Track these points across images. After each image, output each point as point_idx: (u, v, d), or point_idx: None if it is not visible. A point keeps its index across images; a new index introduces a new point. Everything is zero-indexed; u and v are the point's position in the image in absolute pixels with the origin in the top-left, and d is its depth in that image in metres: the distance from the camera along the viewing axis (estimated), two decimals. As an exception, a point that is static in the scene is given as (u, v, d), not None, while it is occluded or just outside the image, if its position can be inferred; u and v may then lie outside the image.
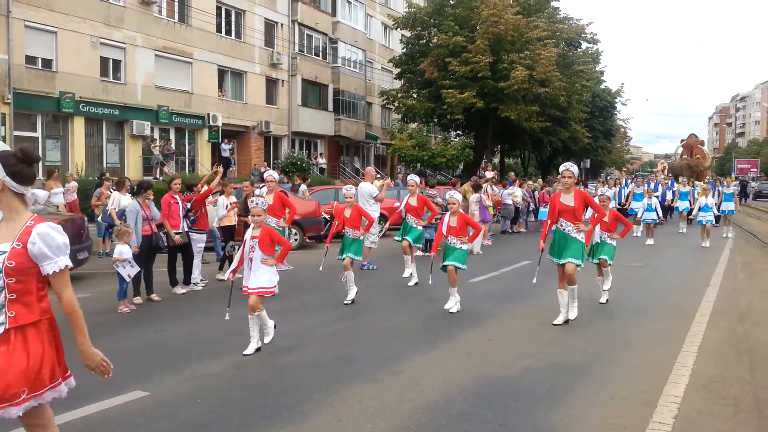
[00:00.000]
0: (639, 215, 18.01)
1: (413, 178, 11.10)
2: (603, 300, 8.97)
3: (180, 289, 9.90)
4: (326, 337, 7.18)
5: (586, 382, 5.54)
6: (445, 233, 8.35)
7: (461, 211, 8.38)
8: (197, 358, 6.24)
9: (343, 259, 9.04)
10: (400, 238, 11.14)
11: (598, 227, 8.59)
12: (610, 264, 9.14)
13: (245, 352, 6.31)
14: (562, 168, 7.79)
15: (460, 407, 4.90)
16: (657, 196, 22.89)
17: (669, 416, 4.72)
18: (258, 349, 6.40)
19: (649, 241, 16.82)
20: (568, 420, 4.67)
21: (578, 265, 7.49)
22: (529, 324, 7.84)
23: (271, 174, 10.26)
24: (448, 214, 8.36)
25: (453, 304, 8.38)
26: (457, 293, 8.50)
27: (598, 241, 9.04)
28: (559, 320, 7.60)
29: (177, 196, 9.99)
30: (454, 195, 8.36)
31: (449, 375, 5.70)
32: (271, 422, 4.60)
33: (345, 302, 8.80)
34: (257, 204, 6.50)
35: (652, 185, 23.81)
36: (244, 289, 6.50)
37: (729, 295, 9.83)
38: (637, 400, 5.08)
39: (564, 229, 7.49)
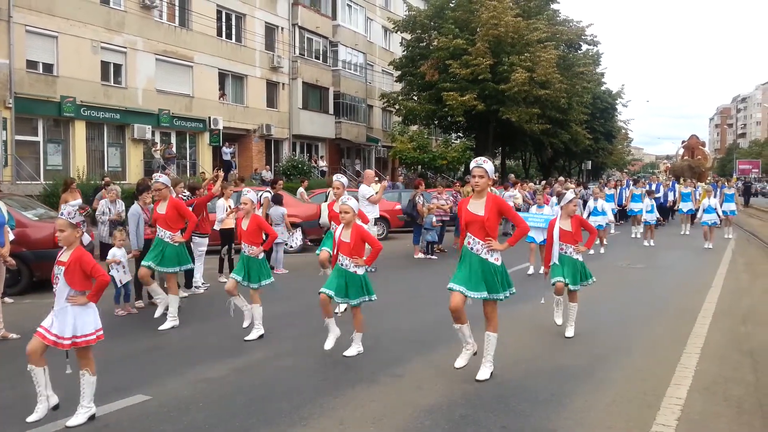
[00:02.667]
0: (643, 216, 17.83)
1: (339, 179, 8.76)
2: (568, 334, 7.17)
3: (182, 293, 9.89)
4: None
5: (589, 385, 5.52)
6: (334, 252, 6.48)
7: (358, 222, 6.48)
8: (199, 361, 6.24)
9: (228, 283, 7.47)
10: (319, 249, 8.97)
11: (556, 244, 7.19)
12: (580, 286, 7.23)
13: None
14: (472, 164, 5.67)
15: (461, 410, 4.89)
16: (658, 197, 22.91)
17: (672, 418, 4.71)
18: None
19: (649, 243, 16.78)
20: (571, 423, 4.66)
21: (499, 299, 5.56)
22: (531, 327, 7.83)
23: (160, 181, 8.13)
24: (340, 227, 6.46)
25: (353, 351, 6.42)
26: (360, 342, 6.47)
27: (556, 263, 7.22)
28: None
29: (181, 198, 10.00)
30: (348, 202, 6.43)
31: (451, 378, 5.69)
32: (273, 426, 4.59)
33: (246, 336, 7.16)
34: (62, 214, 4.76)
35: (654, 186, 23.81)
36: (39, 331, 4.70)
37: (731, 296, 9.81)
38: (639, 402, 5.07)
39: (471, 248, 5.47)
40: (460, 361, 5.69)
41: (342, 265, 6.33)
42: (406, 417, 4.76)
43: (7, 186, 16.90)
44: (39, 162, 21.71)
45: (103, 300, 9.07)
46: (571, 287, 7.10)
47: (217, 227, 11.38)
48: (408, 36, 36.03)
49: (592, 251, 14.13)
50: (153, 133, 25.37)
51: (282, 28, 32.57)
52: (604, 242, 16.24)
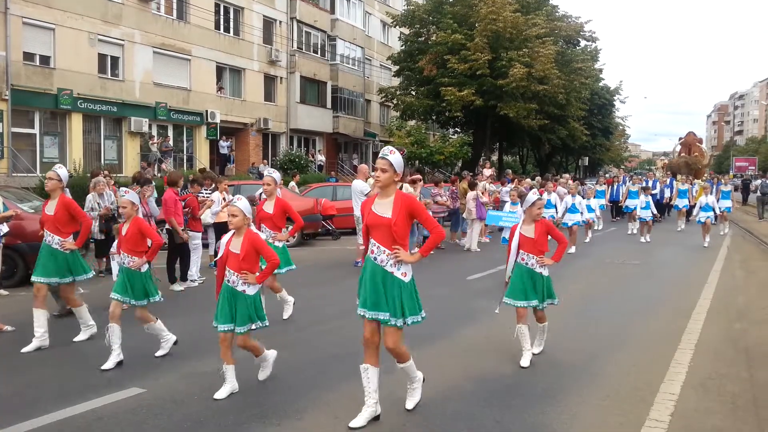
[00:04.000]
0: (638, 212, 17.69)
1: (270, 174, 7.74)
2: (526, 362, 5.93)
3: (178, 286, 9.89)
4: (321, 334, 7.17)
5: (583, 380, 5.54)
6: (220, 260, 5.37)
7: (252, 229, 5.50)
8: (194, 355, 6.24)
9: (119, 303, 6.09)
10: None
11: (513, 254, 6.07)
12: (544, 305, 6.14)
13: None
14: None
15: (455, 405, 4.90)
16: (654, 194, 22.92)
17: (666, 414, 4.72)
18: None
19: (645, 239, 16.67)
20: (565, 418, 4.68)
21: (396, 326, 4.51)
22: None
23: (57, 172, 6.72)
24: (228, 234, 5.38)
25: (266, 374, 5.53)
26: (267, 360, 5.53)
27: (510, 276, 6.15)
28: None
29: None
30: (237, 203, 5.27)
31: (445, 373, 5.70)
32: (267, 420, 4.60)
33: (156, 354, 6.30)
34: None
35: (650, 183, 23.82)
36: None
37: (726, 292, 9.84)
38: (633, 398, 5.08)
39: (375, 258, 4.53)
40: (358, 421, 4.48)
41: (229, 281, 5.16)
42: (400, 411, 4.77)
43: (3, 178, 16.88)
44: (35, 154, 21.64)
45: (102, 295, 9.10)
46: (537, 306, 6.08)
47: (211, 221, 11.35)
48: (406, 31, 35.97)
49: (573, 249, 14.01)
50: (150, 126, 25.30)
51: (280, 22, 32.48)
52: (587, 239, 16.31)
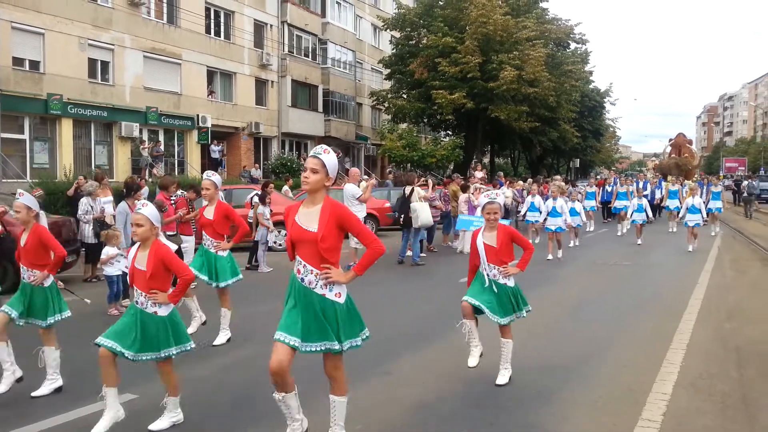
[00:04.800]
0: (628, 215, 17.42)
1: (209, 177, 7.07)
2: (500, 381, 5.46)
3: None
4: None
5: (576, 381, 5.56)
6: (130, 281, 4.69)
7: (163, 240, 4.76)
8: (184, 360, 6.20)
9: None
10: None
11: (483, 262, 5.42)
12: (512, 319, 5.53)
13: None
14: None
15: (450, 406, 4.91)
16: (645, 195, 23.03)
17: (658, 413, 4.75)
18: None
19: (639, 241, 16.45)
20: (557, 418, 4.69)
21: (337, 352, 3.97)
22: (518, 323, 7.84)
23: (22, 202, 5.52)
24: (134, 248, 4.68)
25: (164, 424, 4.62)
26: (179, 407, 4.69)
27: (482, 290, 5.46)
28: None
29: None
30: (141, 210, 4.54)
31: (439, 374, 5.71)
32: (260, 424, 4.60)
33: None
34: None
35: (641, 184, 23.93)
36: None
37: (717, 292, 9.90)
38: (626, 398, 5.10)
39: (302, 279, 3.90)
40: None
41: (137, 303, 4.51)
42: (395, 413, 4.77)
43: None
44: (25, 160, 21.50)
45: (95, 301, 9.06)
46: (500, 321, 5.39)
47: None
48: (397, 34, 36.03)
49: (551, 256, 13.54)
50: (141, 131, 25.21)
51: (271, 26, 32.45)
52: (576, 243, 15.99)
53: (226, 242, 6.96)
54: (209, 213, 6.98)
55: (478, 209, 10.66)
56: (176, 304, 4.58)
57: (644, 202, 16.91)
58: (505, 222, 6.28)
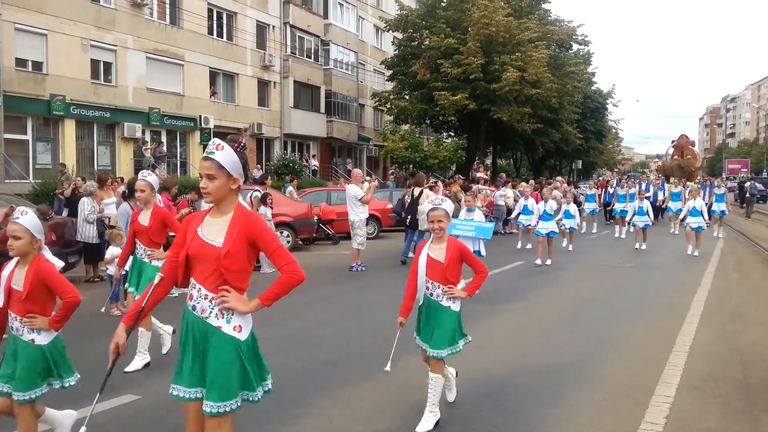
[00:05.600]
0: (627, 217, 16.48)
1: (144, 178, 6.30)
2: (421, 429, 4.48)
3: (175, 291, 9.84)
4: (316, 339, 7.15)
5: (578, 383, 5.54)
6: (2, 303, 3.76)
7: (46, 255, 3.80)
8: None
9: None
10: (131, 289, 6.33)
11: (421, 277, 4.60)
12: (447, 352, 4.54)
13: None
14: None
15: (450, 409, 4.89)
16: (648, 197, 22.97)
17: (660, 416, 4.73)
18: None
19: (641, 246, 15.53)
20: (560, 420, 4.68)
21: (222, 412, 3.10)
22: (521, 324, 7.85)
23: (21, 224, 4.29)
24: (11, 263, 3.84)
25: None
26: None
27: (423, 314, 4.70)
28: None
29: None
30: (20, 220, 3.71)
31: (441, 376, 5.68)
32: (261, 425, 4.58)
33: None
34: None
35: (644, 186, 23.88)
36: None
37: (720, 294, 9.87)
38: (628, 400, 5.08)
39: (194, 307, 3.07)
40: None
41: (12, 329, 3.72)
42: (395, 415, 4.76)
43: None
44: (28, 161, 21.56)
45: (97, 301, 9.06)
46: (430, 352, 4.55)
47: None
48: (400, 35, 36.05)
49: (540, 261, 12.83)
50: (143, 132, 25.27)
51: (273, 27, 32.49)
52: (570, 247, 15.36)
53: (162, 251, 6.06)
54: (144, 218, 6.18)
55: (462, 212, 10.31)
56: (58, 330, 3.76)
57: (645, 204, 15.85)
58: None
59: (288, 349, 6.69)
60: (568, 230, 15.15)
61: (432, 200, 4.75)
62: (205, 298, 3.01)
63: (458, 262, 4.58)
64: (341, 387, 5.39)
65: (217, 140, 3.12)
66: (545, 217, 13.33)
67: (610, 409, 4.90)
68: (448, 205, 4.64)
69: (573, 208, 15.01)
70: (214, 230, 3.03)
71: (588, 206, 20.76)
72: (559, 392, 5.27)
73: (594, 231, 20.41)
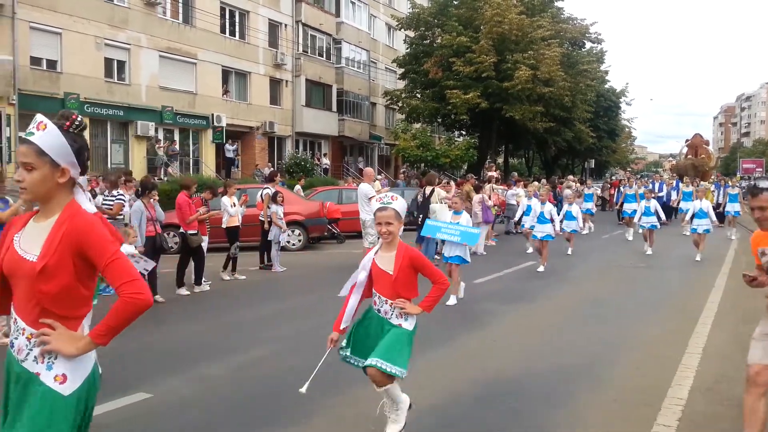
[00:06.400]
0: (636, 219, 15.45)
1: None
2: None
3: (184, 291, 9.91)
4: (325, 338, 7.14)
5: (589, 384, 5.51)
6: None
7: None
8: (200, 359, 6.24)
9: None
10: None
11: (357, 291, 4.15)
12: (386, 367, 3.83)
13: None
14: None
15: (461, 409, 4.88)
16: (661, 197, 22.78)
17: (673, 418, 4.69)
18: None
19: (648, 250, 14.79)
20: (571, 422, 4.65)
21: None
22: (531, 325, 7.83)
23: None
24: None
25: None
26: None
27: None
28: None
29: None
30: None
31: (451, 377, 5.69)
32: (273, 424, 4.60)
33: None
34: None
35: (657, 185, 23.71)
36: None
37: (733, 295, 9.78)
38: (640, 402, 5.05)
39: (13, 346, 2.29)
40: None
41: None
42: (406, 416, 4.75)
43: (11, 182, 16.93)
44: (42, 158, 21.73)
45: (109, 300, 9.13)
46: (371, 362, 3.87)
47: (224, 225, 11.39)
48: (411, 33, 36.02)
49: (543, 267, 12.05)
50: (156, 130, 25.41)
51: (285, 25, 32.56)
52: (569, 251, 14.63)
53: None
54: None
55: (449, 215, 9.48)
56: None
57: (653, 204, 15.04)
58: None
59: (298, 347, 6.71)
60: (569, 233, 14.42)
61: (380, 197, 4.05)
62: (23, 334, 2.25)
63: (410, 273, 3.92)
64: (352, 386, 5.40)
65: (40, 116, 2.30)
66: (542, 219, 12.44)
67: (621, 411, 4.88)
68: (400, 205, 3.96)
69: (575, 209, 14.53)
70: (32, 239, 2.26)
71: (584, 206, 20.24)
72: (570, 394, 5.25)
73: (591, 232, 20.11)
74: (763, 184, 3.56)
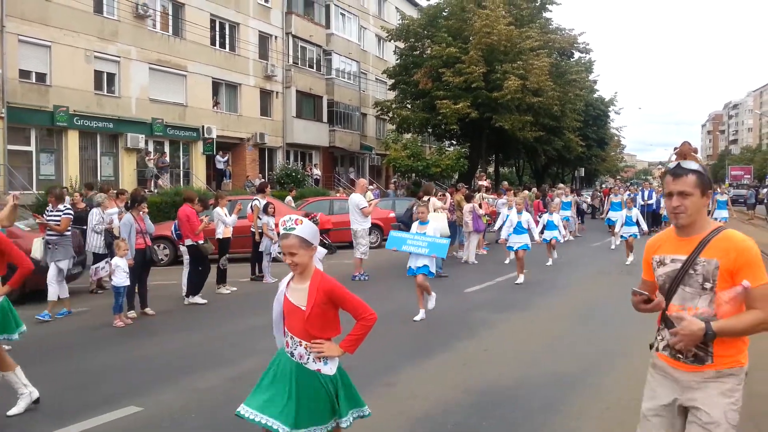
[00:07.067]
0: (617, 228, 15.03)
1: None
2: None
3: (200, 299, 10.01)
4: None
5: (583, 392, 5.52)
6: None
7: None
8: (192, 371, 6.20)
9: None
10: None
11: (277, 325, 3.43)
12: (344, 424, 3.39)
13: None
14: None
15: (455, 418, 4.87)
16: (651, 204, 22.86)
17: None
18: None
19: (628, 260, 14.43)
20: (565, 430, 4.65)
21: None
22: (524, 333, 7.83)
23: None
24: None
25: None
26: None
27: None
28: None
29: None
30: None
31: (445, 386, 5.67)
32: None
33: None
34: None
35: (647, 193, 23.79)
36: None
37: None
38: (633, 409, 5.04)
39: None
40: None
41: None
42: (400, 426, 4.74)
43: (0, 195, 16.82)
44: (32, 172, 21.63)
45: (101, 312, 9.06)
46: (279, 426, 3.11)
47: (220, 236, 11.36)
48: (401, 44, 36.19)
49: (521, 279, 11.54)
50: (146, 143, 25.31)
51: (276, 37, 32.63)
52: (550, 262, 14.43)
53: (1, 285, 5.19)
54: None
55: (414, 225, 8.96)
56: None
57: (634, 213, 14.76)
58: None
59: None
60: (550, 241, 14.28)
61: (284, 220, 3.27)
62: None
63: (327, 308, 3.27)
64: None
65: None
66: (518, 229, 11.90)
67: (615, 419, 4.88)
68: (305, 230, 3.20)
69: (556, 218, 14.37)
70: None
71: (562, 213, 19.98)
72: (564, 400, 5.25)
73: (593, 240, 20.23)
74: (689, 164, 2.87)
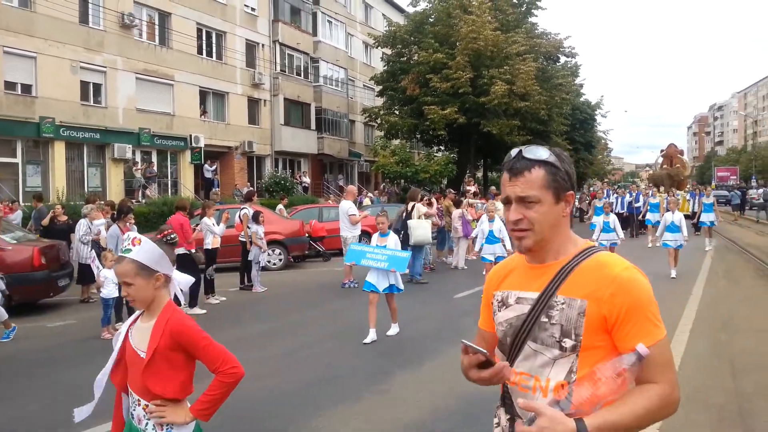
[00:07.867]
0: (594, 236, 13.88)
1: None
2: None
3: (214, 299, 10.03)
4: (310, 357, 7.14)
5: (572, 396, 5.54)
6: None
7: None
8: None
9: None
10: None
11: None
12: None
13: None
14: None
15: (447, 425, 4.89)
16: (639, 207, 22.91)
17: (653, 426, 4.73)
18: None
19: None
20: (554, 434, 4.67)
21: None
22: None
23: None
24: None
25: None
26: None
27: None
28: None
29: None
30: None
31: (436, 393, 5.69)
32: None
33: None
34: None
35: (634, 195, 23.89)
36: None
37: (711, 303, 9.93)
38: (622, 412, 5.09)
39: None
40: None
41: None
42: (391, 433, 4.75)
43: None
44: (18, 184, 21.48)
45: (89, 325, 9.02)
46: None
47: (210, 245, 11.32)
48: (388, 51, 36.29)
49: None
50: (134, 153, 25.22)
51: (263, 45, 32.64)
52: None
53: None
54: None
55: (375, 237, 8.65)
56: None
57: (611, 219, 14.10)
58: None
59: (282, 368, 6.68)
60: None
61: (123, 241, 2.83)
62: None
63: (174, 356, 2.52)
64: (336, 405, 5.39)
65: None
66: (491, 239, 11.36)
67: (603, 422, 4.90)
68: (144, 253, 2.48)
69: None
70: None
71: None
72: (553, 406, 5.27)
73: None
74: (536, 151, 1.77)
